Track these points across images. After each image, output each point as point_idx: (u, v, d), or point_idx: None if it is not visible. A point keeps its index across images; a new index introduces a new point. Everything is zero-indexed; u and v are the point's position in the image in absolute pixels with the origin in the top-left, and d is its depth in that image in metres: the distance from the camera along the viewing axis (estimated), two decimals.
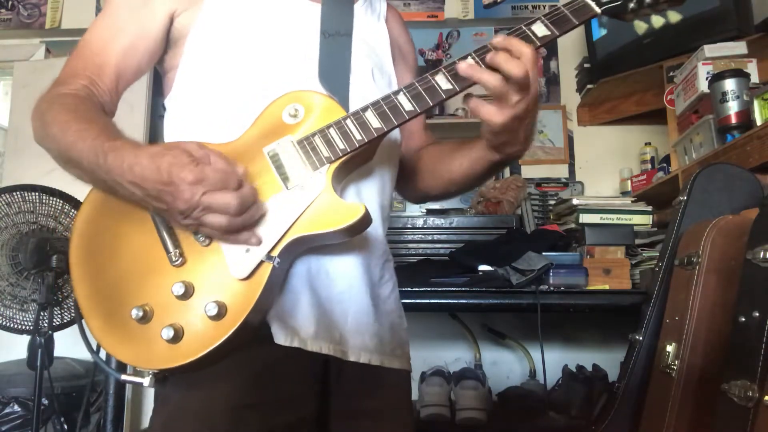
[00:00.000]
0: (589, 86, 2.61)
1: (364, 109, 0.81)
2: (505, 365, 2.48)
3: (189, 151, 0.71)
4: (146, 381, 0.76)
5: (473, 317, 2.41)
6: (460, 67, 0.79)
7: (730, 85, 1.65)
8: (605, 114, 2.77)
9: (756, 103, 1.57)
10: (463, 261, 1.83)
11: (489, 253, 1.82)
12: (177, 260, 0.76)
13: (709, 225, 1.20)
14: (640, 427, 1.26)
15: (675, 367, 1.16)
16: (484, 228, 2.12)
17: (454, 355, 2.44)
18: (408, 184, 1.09)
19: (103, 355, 0.85)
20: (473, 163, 0.96)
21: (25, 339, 1.75)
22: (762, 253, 0.93)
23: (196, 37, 0.89)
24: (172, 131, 0.92)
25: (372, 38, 1.01)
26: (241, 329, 0.73)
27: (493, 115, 0.80)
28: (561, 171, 2.80)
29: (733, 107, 1.64)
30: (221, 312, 0.73)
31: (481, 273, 1.76)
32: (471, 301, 1.71)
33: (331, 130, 0.80)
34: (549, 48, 2.90)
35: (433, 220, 2.15)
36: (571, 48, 2.86)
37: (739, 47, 1.84)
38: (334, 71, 0.91)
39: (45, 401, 1.88)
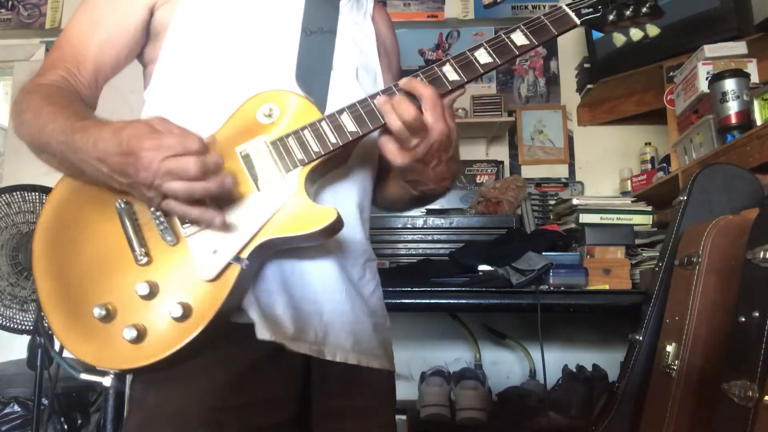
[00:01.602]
0: (589, 86, 2.61)
1: (340, 111, 0.79)
2: (505, 365, 2.48)
3: (150, 124, 0.69)
4: (106, 380, 0.75)
5: (473, 317, 2.41)
6: (378, 102, 0.78)
7: (730, 85, 1.65)
8: (605, 114, 2.77)
9: (756, 103, 1.57)
10: (463, 261, 1.83)
11: (489, 253, 1.82)
12: (142, 259, 0.74)
13: (709, 225, 1.20)
14: (640, 427, 1.26)
15: (675, 367, 1.16)
16: (484, 228, 2.12)
17: (454, 355, 2.44)
18: None
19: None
20: (399, 191, 0.95)
21: (25, 339, 1.75)
22: (762, 253, 0.93)
23: (175, 30, 0.88)
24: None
25: (358, 36, 0.99)
26: (205, 331, 0.72)
27: (394, 155, 0.79)
28: (561, 171, 2.80)
29: (733, 107, 1.64)
30: (186, 313, 0.72)
31: (481, 273, 1.76)
32: (471, 301, 1.71)
33: (306, 132, 0.78)
34: (549, 48, 2.90)
35: (433, 220, 2.15)
36: (571, 48, 2.86)
37: (739, 47, 1.84)
38: (314, 70, 0.89)
39: (45, 401, 1.88)
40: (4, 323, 1.75)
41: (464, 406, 1.98)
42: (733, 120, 1.63)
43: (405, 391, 2.43)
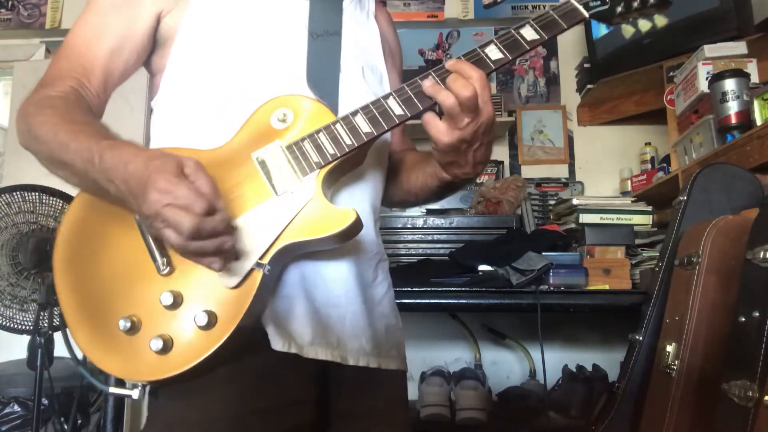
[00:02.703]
0: (589, 86, 2.61)
1: (354, 113, 0.80)
2: (505, 365, 2.48)
3: (181, 164, 0.69)
4: (135, 393, 0.75)
5: (473, 317, 2.41)
6: (425, 85, 0.79)
7: (730, 85, 1.65)
8: (605, 114, 2.77)
9: (756, 103, 1.57)
10: (463, 261, 1.83)
11: (489, 253, 1.81)
12: (165, 269, 0.74)
13: (709, 225, 1.20)
14: (640, 427, 1.26)
15: (675, 367, 1.16)
16: (484, 228, 2.12)
17: (454, 355, 2.44)
18: None
19: None
20: (426, 178, 0.95)
21: (25, 339, 1.75)
22: (762, 253, 0.93)
23: (183, 38, 0.87)
24: (158, 134, 0.90)
25: (362, 36, 1.00)
26: (231, 338, 0.72)
27: (442, 133, 0.79)
28: (561, 171, 2.80)
29: (733, 107, 1.64)
30: (211, 321, 0.72)
31: (481, 273, 1.76)
32: (471, 301, 1.71)
33: (321, 135, 0.79)
34: (549, 48, 2.90)
35: (433, 220, 2.15)
36: (571, 48, 2.86)
37: (739, 47, 1.84)
38: (323, 73, 0.90)
39: (45, 401, 1.88)
40: (4, 323, 1.75)
41: (464, 406, 1.97)
42: (733, 120, 1.63)
43: None
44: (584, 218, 1.85)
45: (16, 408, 2.02)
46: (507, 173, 2.78)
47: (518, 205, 2.35)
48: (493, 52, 0.81)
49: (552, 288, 1.69)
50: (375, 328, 0.89)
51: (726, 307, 1.06)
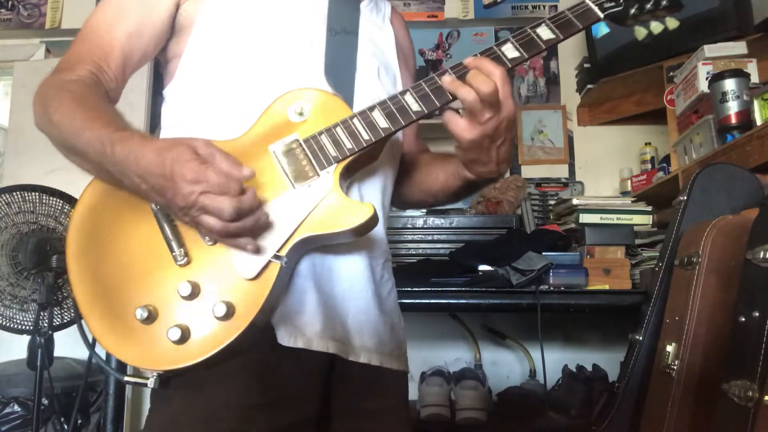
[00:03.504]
0: (589, 86, 2.61)
1: (371, 108, 0.80)
2: (505, 365, 2.48)
3: (194, 148, 0.69)
4: (151, 382, 0.75)
5: (473, 317, 2.41)
6: (445, 81, 0.79)
7: (730, 85, 1.65)
8: (605, 114, 2.77)
9: (756, 103, 1.57)
10: (463, 261, 1.83)
11: (489, 253, 1.81)
12: (182, 259, 0.75)
13: (709, 225, 1.20)
14: (640, 427, 1.26)
15: (675, 367, 1.16)
16: (484, 228, 2.12)
17: (454, 355, 2.44)
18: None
19: (102, 354, 0.84)
20: (448, 178, 0.95)
21: (25, 339, 1.75)
22: (762, 253, 0.93)
23: (201, 26, 0.88)
24: (170, 122, 0.90)
25: (378, 37, 1.01)
26: (249, 329, 0.73)
27: (464, 130, 0.79)
28: (561, 171, 2.80)
29: (733, 107, 1.64)
30: (229, 312, 0.72)
31: (481, 273, 1.76)
32: (471, 301, 1.71)
33: (338, 129, 0.79)
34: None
35: (433, 220, 2.15)
36: (571, 48, 2.86)
37: (739, 47, 1.84)
38: (340, 69, 0.90)
39: (45, 401, 1.88)
40: (4, 323, 1.75)
41: (464, 406, 1.97)
42: (733, 120, 1.63)
43: None
44: (584, 218, 1.85)
45: (16, 408, 2.02)
46: (507, 173, 2.78)
47: (518, 205, 2.35)
48: (510, 51, 0.81)
49: (552, 288, 1.69)
50: (379, 325, 0.90)
51: (726, 307, 1.06)
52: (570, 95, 2.85)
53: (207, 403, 0.76)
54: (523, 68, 2.89)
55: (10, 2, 3.01)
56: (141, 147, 0.71)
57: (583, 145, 2.82)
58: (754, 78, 1.73)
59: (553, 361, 2.11)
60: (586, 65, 2.64)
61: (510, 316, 2.43)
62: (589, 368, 2.18)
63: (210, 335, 0.72)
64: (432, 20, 2.89)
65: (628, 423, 1.32)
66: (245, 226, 0.70)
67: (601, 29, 2.42)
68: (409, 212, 2.52)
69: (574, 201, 1.90)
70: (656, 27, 0.90)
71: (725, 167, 1.40)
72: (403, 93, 0.81)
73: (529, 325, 2.28)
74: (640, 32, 0.92)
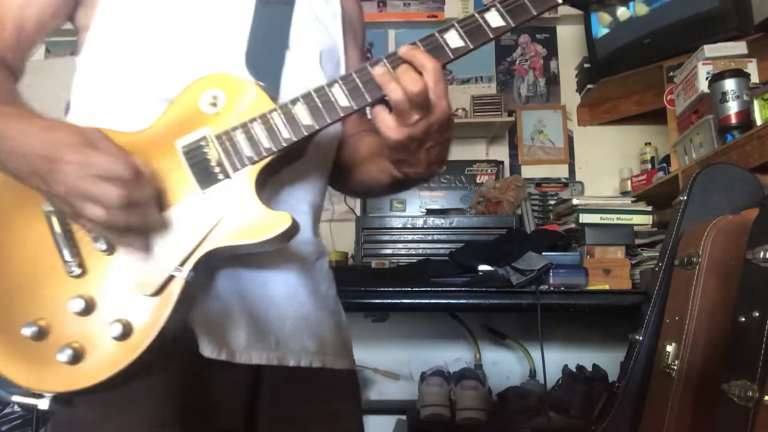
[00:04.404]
0: (589, 86, 2.61)
1: (294, 101, 0.69)
2: (505, 365, 2.48)
3: (85, 134, 0.62)
4: (43, 403, 0.67)
5: (473, 317, 2.41)
6: (376, 72, 0.69)
7: (730, 85, 1.65)
8: (605, 114, 2.77)
9: (756, 103, 1.57)
10: (463, 261, 1.83)
11: (489, 253, 1.82)
12: (75, 270, 0.66)
13: (709, 225, 1.20)
14: (640, 427, 1.26)
15: (675, 367, 1.16)
16: (484, 228, 2.12)
17: (454, 355, 2.44)
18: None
19: None
20: (378, 173, 0.85)
21: None
22: (762, 253, 0.93)
23: None
24: (78, 103, 0.81)
25: (321, 10, 0.89)
26: (150, 349, 0.65)
27: (390, 129, 0.69)
28: (561, 171, 2.80)
29: (733, 107, 1.64)
30: (126, 332, 0.64)
31: (481, 273, 1.76)
32: (471, 301, 1.71)
33: (255, 125, 0.69)
34: (549, 48, 2.90)
35: (433, 220, 2.15)
36: (571, 48, 2.86)
37: (739, 47, 1.84)
38: (267, 48, 0.79)
39: None
40: None
41: (464, 406, 1.98)
42: (733, 120, 1.63)
43: (405, 391, 2.43)
44: (584, 218, 1.85)
45: (16, 408, 2.02)
46: (507, 173, 2.78)
47: (518, 205, 2.35)
48: (453, 39, 0.70)
49: (552, 288, 1.69)
50: (319, 326, 0.83)
51: (726, 307, 1.07)
52: (570, 95, 2.85)
53: (120, 421, 0.69)
54: (523, 68, 2.89)
55: None
56: (26, 123, 0.63)
57: (583, 145, 2.82)
58: (754, 78, 1.73)
59: (553, 361, 2.11)
60: (586, 65, 2.64)
61: (510, 316, 2.43)
62: (589, 368, 2.18)
63: (105, 356, 0.64)
64: (432, 20, 2.89)
65: (628, 423, 1.32)
66: (132, 221, 0.61)
67: (602, 29, 2.42)
68: (409, 212, 2.52)
69: (574, 201, 1.90)
70: (623, 14, 0.86)
71: (725, 167, 1.41)
72: (331, 84, 0.70)
73: (529, 325, 2.28)
74: (604, 19, 0.88)
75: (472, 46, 0.70)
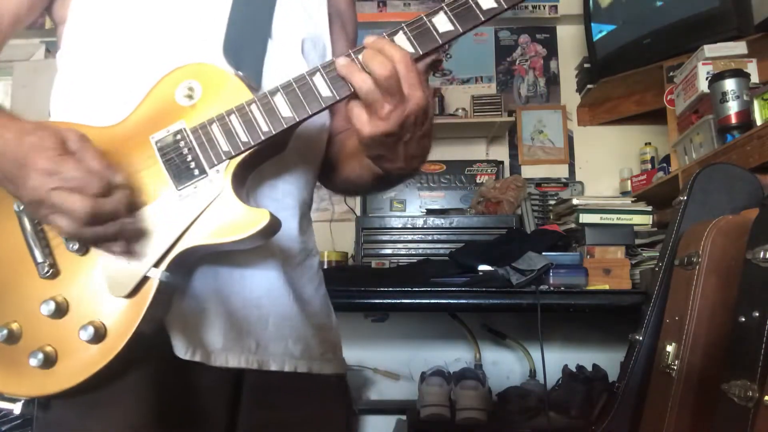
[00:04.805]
0: (589, 86, 2.61)
1: (273, 92, 0.66)
2: (505, 365, 2.48)
3: (61, 138, 0.59)
4: (17, 407, 0.67)
5: (473, 317, 2.41)
6: (338, 64, 0.65)
7: (730, 85, 1.65)
8: (605, 114, 2.77)
9: (756, 103, 1.57)
10: (463, 261, 1.83)
11: (489, 253, 1.82)
12: (47, 271, 0.64)
13: (709, 225, 1.20)
14: (640, 427, 1.26)
15: (675, 367, 1.16)
16: (484, 228, 2.12)
17: (454, 355, 2.44)
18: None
19: None
20: (362, 170, 0.83)
21: None
22: (762, 253, 0.93)
23: None
24: (57, 100, 0.80)
25: None
26: (124, 351, 0.63)
27: (362, 124, 0.66)
28: (561, 171, 2.80)
29: (733, 107, 1.64)
30: (99, 334, 0.63)
31: (481, 273, 1.76)
32: (471, 301, 1.71)
33: (233, 118, 0.66)
34: (549, 48, 2.90)
35: (433, 220, 2.15)
36: (571, 48, 2.86)
37: (739, 47, 1.84)
38: (247, 39, 0.76)
39: None
40: None
41: (464, 406, 1.98)
42: (733, 120, 1.63)
43: (405, 391, 2.43)
44: (584, 218, 1.85)
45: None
46: (507, 173, 2.78)
47: (518, 205, 2.35)
48: (442, 23, 0.67)
49: (552, 288, 1.69)
50: (304, 329, 0.80)
51: (726, 307, 1.06)
52: (570, 95, 2.85)
53: (97, 425, 0.68)
54: (523, 68, 2.89)
55: None
56: (1, 125, 0.61)
57: (583, 145, 2.82)
58: (754, 78, 1.73)
59: (553, 361, 2.11)
60: (586, 65, 2.64)
61: (510, 316, 2.43)
62: (589, 368, 2.18)
63: (79, 359, 0.63)
64: None
65: (628, 423, 1.32)
66: (105, 232, 0.60)
67: (600, 30, 2.42)
68: (409, 212, 2.53)
69: (574, 201, 1.90)
70: None
71: (725, 167, 1.40)
72: (312, 73, 0.66)
73: (529, 325, 2.28)
74: None
75: (461, 30, 0.66)
